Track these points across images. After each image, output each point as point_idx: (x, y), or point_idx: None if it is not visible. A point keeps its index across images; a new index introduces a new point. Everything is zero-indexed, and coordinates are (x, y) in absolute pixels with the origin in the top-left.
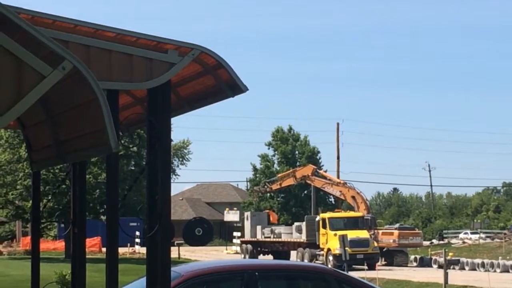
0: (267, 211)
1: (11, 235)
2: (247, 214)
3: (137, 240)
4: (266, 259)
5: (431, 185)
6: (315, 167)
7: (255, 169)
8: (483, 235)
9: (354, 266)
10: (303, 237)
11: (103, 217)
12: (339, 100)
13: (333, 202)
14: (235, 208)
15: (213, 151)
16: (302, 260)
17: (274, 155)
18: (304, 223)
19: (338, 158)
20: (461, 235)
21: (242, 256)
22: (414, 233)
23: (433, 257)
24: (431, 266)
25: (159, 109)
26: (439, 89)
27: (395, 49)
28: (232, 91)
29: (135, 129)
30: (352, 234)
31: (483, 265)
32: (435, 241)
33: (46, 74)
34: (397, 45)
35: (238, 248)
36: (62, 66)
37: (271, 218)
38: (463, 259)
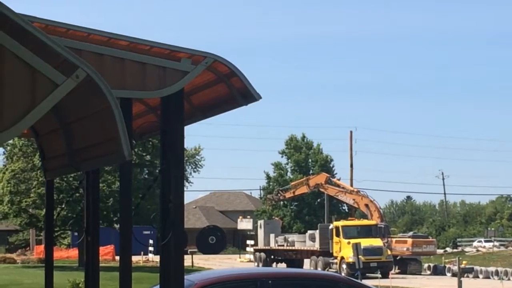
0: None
1: (24, 244)
2: (261, 222)
3: (151, 248)
4: (280, 267)
5: (444, 193)
6: (328, 175)
7: (268, 177)
8: (497, 243)
9: (367, 274)
10: (316, 245)
11: (117, 226)
12: (352, 108)
13: (346, 210)
14: (248, 216)
15: (227, 159)
16: (316, 268)
17: (287, 163)
18: (317, 231)
19: (351, 166)
20: (475, 243)
21: (256, 264)
22: (428, 241)
23: (447, 265)
24: (445, 275)
25: (172, 118)
26: (452, 97)
27: (409, 57)
28: (245, 99)
29: (148, 137)
30: (365, 242)
31: (497, 273)
32: (448, 249)
33: (59, 83)
34: (411, 53)
35: (252, 257)
36: (76, 74)
37: None
38: (477, 267)
